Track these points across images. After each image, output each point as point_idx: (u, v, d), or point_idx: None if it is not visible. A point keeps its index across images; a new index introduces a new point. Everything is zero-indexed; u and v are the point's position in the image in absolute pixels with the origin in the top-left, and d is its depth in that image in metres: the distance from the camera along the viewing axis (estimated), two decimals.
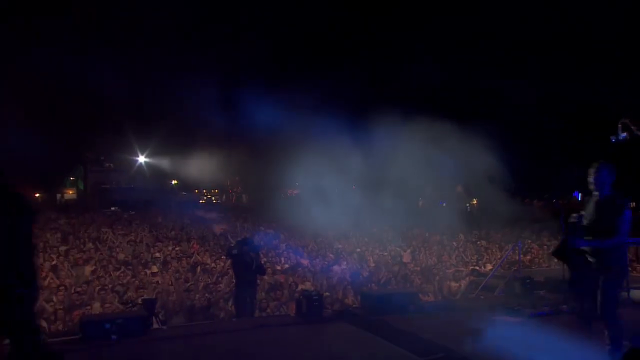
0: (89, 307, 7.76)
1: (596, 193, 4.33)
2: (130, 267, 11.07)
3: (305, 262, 12.39)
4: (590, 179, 4.32)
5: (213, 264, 11.63)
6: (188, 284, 9.42)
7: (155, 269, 10.98)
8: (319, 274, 11.02)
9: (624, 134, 4.68)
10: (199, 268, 11.08)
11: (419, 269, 12.13)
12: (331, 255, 13.39)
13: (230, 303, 8.30)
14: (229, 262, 9.69)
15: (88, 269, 10.61)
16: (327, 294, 8.86)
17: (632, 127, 4.61)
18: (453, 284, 10.62)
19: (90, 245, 13.79)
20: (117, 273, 10.33)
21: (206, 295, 8.90)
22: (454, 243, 16.56)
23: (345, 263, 12.36)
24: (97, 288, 8.90)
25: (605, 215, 4.13)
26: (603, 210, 4.18)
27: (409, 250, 14.14)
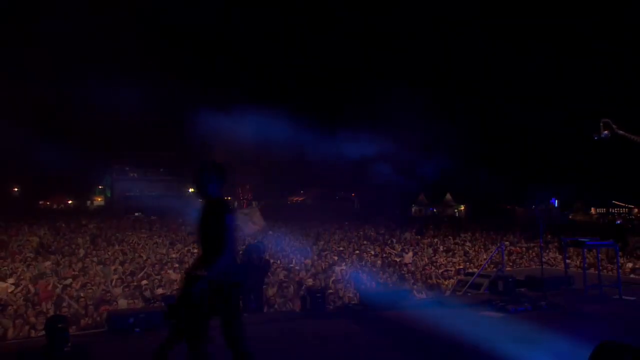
0: (115, 304, 7.75)
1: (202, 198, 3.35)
2: (151, 266, 11.06)
3: (308, 262, 12.33)
4: (195, 182, 3.32)
5: None
6: None
7: (173, 267, 10.96)
8: (321, 273, 10.97)
9: (606, 132, 4.50)
10: None
11: (413, 269, 12.07)
12: (335, 257, 13.33)
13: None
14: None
15: (114, 268, 10.61)
16: (330, 291, 8.82)
17: (613, 126, 4.43)
18: (443, 282, 10.58)
19: (116, 247, 13.81)
20: (140, 272, 10.32)
21: None
22: (444, 246, 16.50)
23: (344, 264, 12.30)
24: (122, 286, 8.89)
25: (210, 224, 3.22)
26: (208, 218, 3.26)
27: (410, 253, 14.02)
